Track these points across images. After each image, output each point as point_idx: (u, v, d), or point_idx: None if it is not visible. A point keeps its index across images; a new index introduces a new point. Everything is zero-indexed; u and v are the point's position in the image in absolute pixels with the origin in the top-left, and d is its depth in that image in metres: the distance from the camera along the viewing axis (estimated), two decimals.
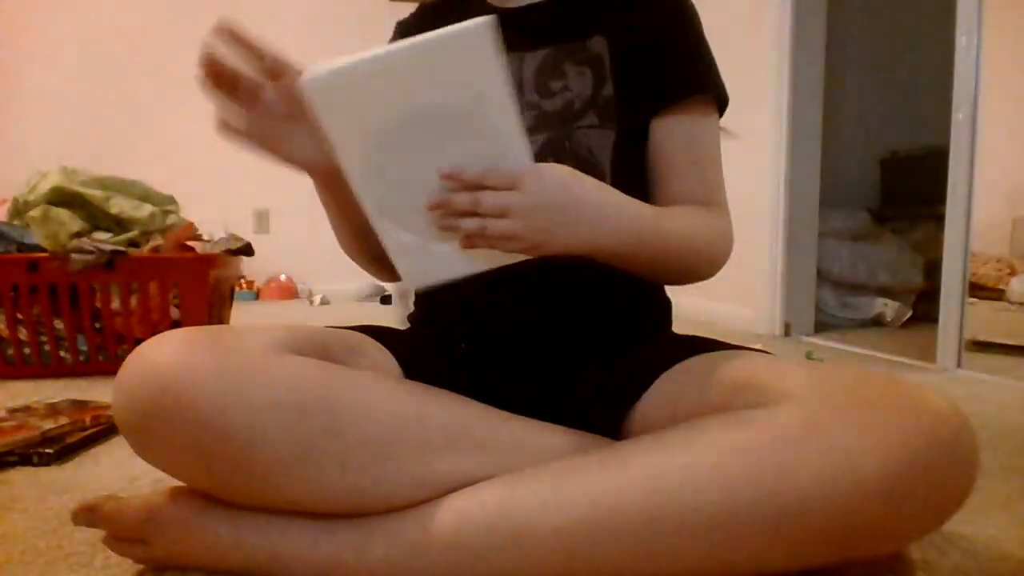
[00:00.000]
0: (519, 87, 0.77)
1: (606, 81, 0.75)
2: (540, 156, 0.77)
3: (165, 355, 0.54)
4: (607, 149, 0.75)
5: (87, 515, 0.60)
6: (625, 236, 0.63)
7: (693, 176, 0.76)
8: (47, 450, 0.95)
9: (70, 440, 0.99)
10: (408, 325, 0.86)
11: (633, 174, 0.76)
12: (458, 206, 0.56)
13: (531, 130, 0.76)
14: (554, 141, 0.75)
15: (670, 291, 0.83)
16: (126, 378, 0.55)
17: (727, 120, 0.81)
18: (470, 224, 0.56)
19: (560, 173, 0.59)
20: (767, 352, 0.69)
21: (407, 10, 0.95)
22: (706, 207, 0.75)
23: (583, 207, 0.60)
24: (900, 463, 0.46)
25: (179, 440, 0.53)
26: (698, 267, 0.73)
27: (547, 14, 0.79)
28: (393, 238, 0.59)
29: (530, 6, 0.80)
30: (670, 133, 0.77)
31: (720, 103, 0.78)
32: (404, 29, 0.90)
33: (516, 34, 0.80)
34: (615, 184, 0.65)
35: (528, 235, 0.57)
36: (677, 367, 0.66)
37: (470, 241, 0.57)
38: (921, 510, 0.47)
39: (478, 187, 0.56)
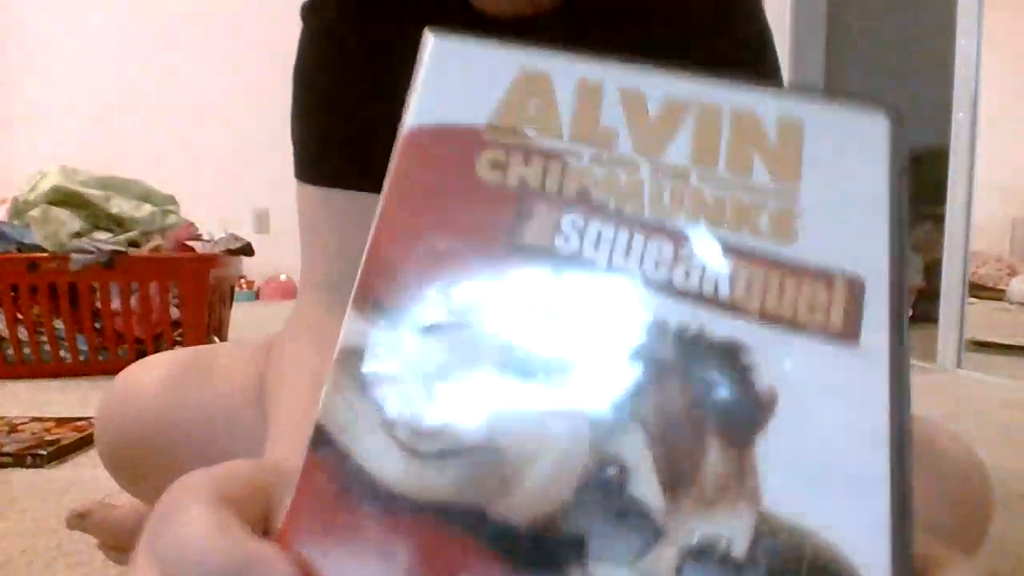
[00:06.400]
0: None
1: None
2: None
3: (150, 387, 0.52)
4: None
5: (79, 521, 0.60)
6: None
7: None
8: (40, 452, 0.95)
9: (65, 442, 0.99)
10: None
11: None
12: None
13: None
14: None
15: None
16: (110, 410, 0.53)
17: None
18: None
19: None
20: None
21: None
22: None
23: None
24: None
25: (167, 476, 0.52)
26: None
27: (550, 28, 0.60)
28: None
29: (530, 19, 0.59)
30: None
31: None
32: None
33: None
34: None
35: None
36: None
37: None
38: None
39: None
